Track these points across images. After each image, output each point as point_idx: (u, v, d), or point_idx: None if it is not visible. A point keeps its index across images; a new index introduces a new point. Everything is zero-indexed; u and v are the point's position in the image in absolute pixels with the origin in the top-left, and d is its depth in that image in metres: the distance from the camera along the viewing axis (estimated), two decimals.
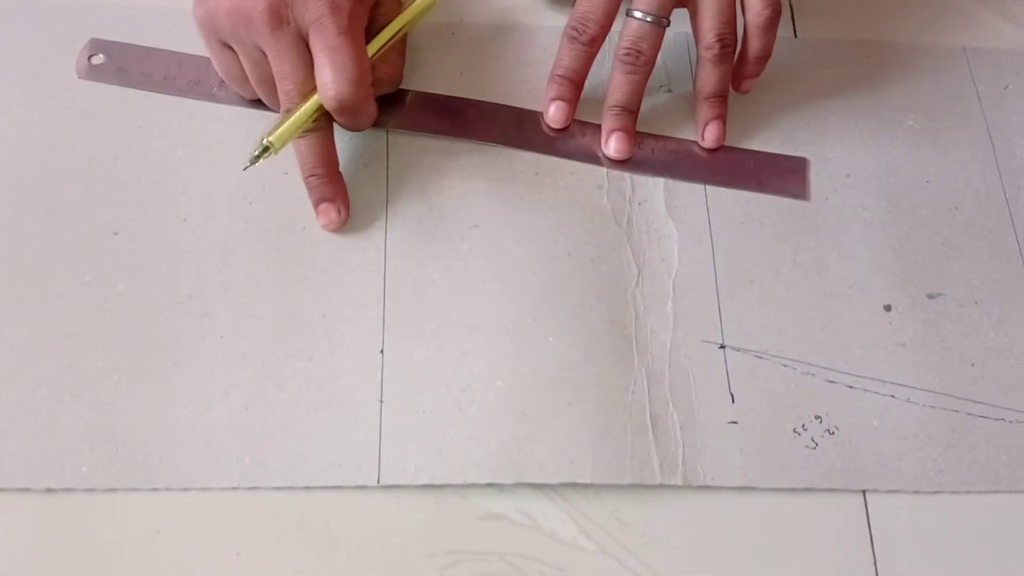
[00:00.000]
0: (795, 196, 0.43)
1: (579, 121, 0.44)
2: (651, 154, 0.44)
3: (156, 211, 0.40)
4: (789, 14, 0.49)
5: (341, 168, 0.41)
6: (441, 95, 0.44)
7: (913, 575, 0.37)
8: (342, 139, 0.42)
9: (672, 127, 0.45)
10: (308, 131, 0.39)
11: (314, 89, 0.38)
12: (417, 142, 0.43)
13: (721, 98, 0.43)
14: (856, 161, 0.45)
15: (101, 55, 0.43)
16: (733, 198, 0.43)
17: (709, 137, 0.43)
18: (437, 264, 0.40)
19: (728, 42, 0.41)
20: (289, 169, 0.41)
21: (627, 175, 0.43)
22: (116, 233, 0.39)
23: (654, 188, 0.43)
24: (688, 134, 0.44)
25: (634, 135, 0.43)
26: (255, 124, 0.42)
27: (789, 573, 0.36)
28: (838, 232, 0.43)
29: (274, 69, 0.39)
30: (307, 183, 0.40)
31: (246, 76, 0.40)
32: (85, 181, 0.40)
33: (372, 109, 0.40)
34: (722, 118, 0.43)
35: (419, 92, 0.44)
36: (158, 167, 0.41)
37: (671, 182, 0.43)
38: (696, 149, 0.44)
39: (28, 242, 0.39)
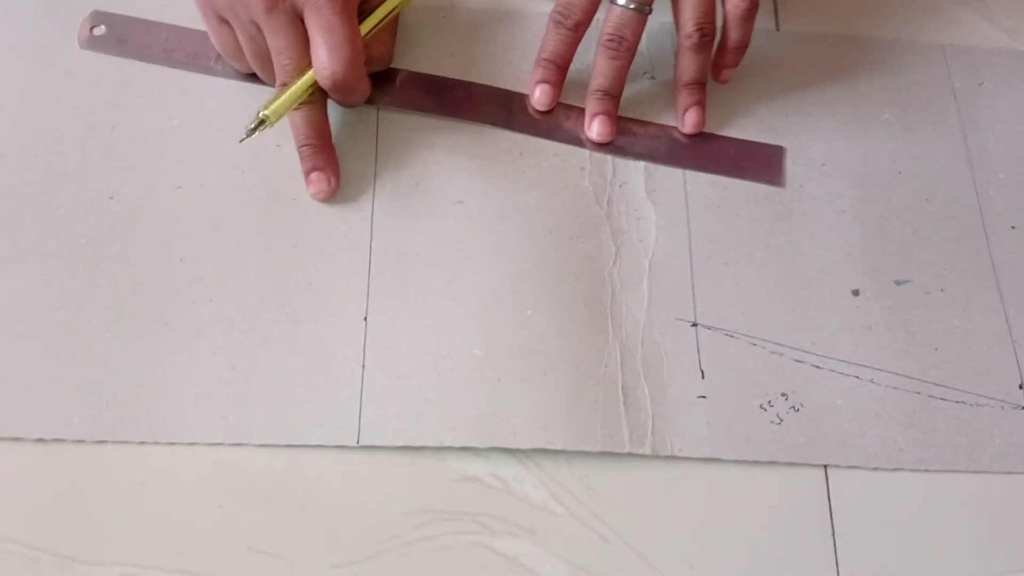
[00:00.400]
0: (771, 183, 0.45)
1: (564, 104, 0.45)
2: (633, 138, 0.45)
3: (151, 178, 0.41)
4: (772, 8, 0.50)
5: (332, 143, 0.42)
6: (431, 75, 0.45)
7: (870, 548, 0.38)
8: (333, 115, 0.43)
9: (654, 113, 0.46)
10: (303, 104, 0.40)
11: (309, 64, 0.40)
12: (406, 120, 0.44)
13: (700, 85, 0.44)
14: (832, 151, 0.46)
15: (102, 26, 0.44)
16: (711, 183, 0.45)
17: (689, 123, 0.45)
18: (421, 237, 0.41)
19: (707, 31, 0.43)
20: (282, 142, 0.42)
21: (609, 158, 0.45)
22: (111, 198, 0.41)
23: (634, 171, 0.44)
24: (669, 120, 0.46)
25: (616, 119, 0.44)
26: (250, 97, 0.43)
27: (751, 542, 0.38)
28: (811, 219, 0.44)
29: (270, 44, 0.40)
30: (300, 152, 0.41)
31: (242, 50, 0.42)
32: (84, 147, 0.42)
33: (365, 87, 0.41)
34: (701, 105, 0.45)
35: (410, 71, 0.45)
36: (155, 136, 0.42)
37: (651, 166, 0.45)
38: (676, 135, 0.45)
39: (27, 203, 0.40)
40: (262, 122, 0.39)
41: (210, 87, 0.44)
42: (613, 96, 0.44)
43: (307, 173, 0.41)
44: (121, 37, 0.44)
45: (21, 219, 0.40)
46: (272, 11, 0.39)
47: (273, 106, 0.39)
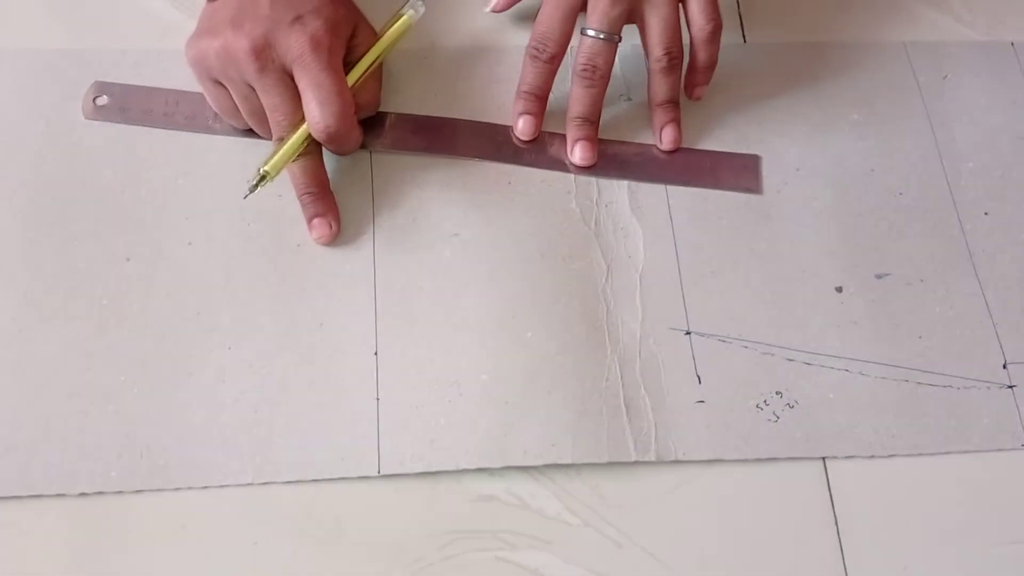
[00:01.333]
0: (749, 191, 0.47)
1: (547, 132, 0.47)
2: (615, 159, 0.47)
3: (163, 236, 0.44)
4: (738, 22, 0.52)
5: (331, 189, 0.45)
6: (418, 115, 0.47)
7: (872, 533, 0.40)
8: (329, 162, 0.45)
9: (633, 133, 0.48)
10: (300, 155, 0.43)
11: (302, 118, 0.42)
12: (398, 160, 0.46)
13: (673, 104, 0.47)
14: (805, 155, 0.48)
15: (105, 96, 0.47)
16: (692, 196, 0.47)
17: (666, 139, 0.47)
18: (422, 270, 0.43)
19: (674, 54, 0.45)
20: (283, 192, 0.45)
21: (593, 180, 0.47)
22: (128, 259, 0.43)
23: (618, 190, 0.47)
24: (648, 139, 0.48)
25: (596, 143, 0.47)
26: (248, 152, 0.45)
27: (757, 535, 0.40)
28: (790, 222, 0.46)
29: (264, 102, 0.42)
30: (301, 201, 0.43)
31: (237, 109, 0.44)
32: (96, 212, 0.44)
33: (357, 135, 0.44)
34: (676, 121, 0.47)
35: (398, 114, 0.47)
36: (162, 196, 0.45)
37: (634, 184, 0.47)
38: (656, 152, 0.48)
39: (48, 270, 0.42)
40: (263, 177, 0.42)
41: (211, 145, 0.46)
42: (591, 121, 0.46)
43: (309, 220, 0.44)
44: (123, 105, 0.46)
45: (44, 285, 0.42)
46: (263, 72, 0.41)
47: (272, 161, 0.42)
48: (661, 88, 0.46)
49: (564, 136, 0.47)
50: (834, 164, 0.48)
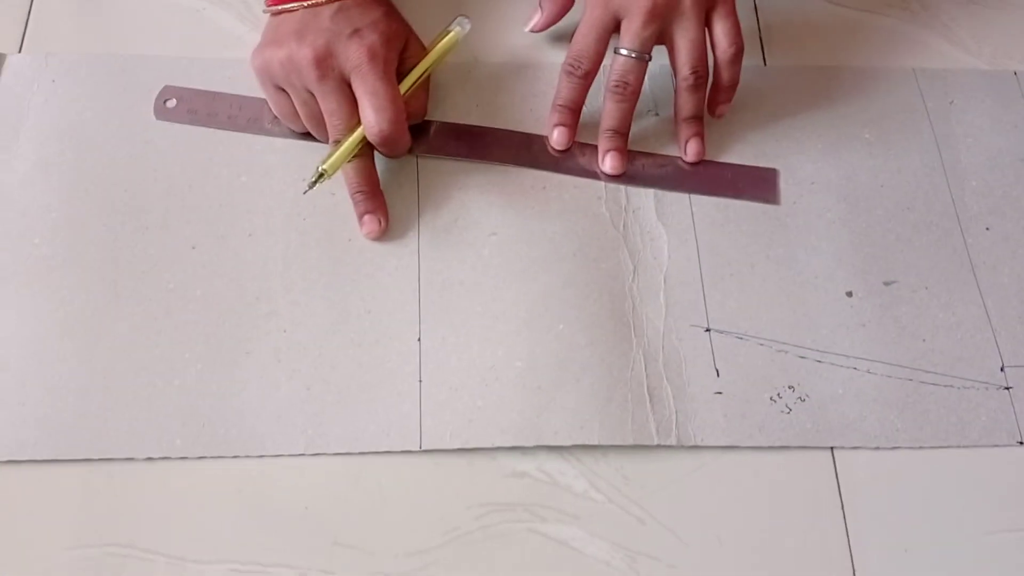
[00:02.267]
0: (767, 202, 0.50)
1: (579, 143, 0.51)
2: (642, 169, 0.51)
3: (226, 228, 0.47)
4: (759, 46, 0.56)
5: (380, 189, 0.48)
6: (461, 124, 0.51)
7: (875, 519, 0.43)
8: (380, 165, 0.49)
9: (660, 145, 0.52)
10: (354, 157, 0.46)
11: (358, 123, 0.46)
12: (442, 165, 0.50)
13: (698, 119, 0.50)
14: (819, 170, 0.52)
15: (173, 100, 0.51)
16: (714, 204, 0.50)
17: (690, 152, 0.50)
18: (463, 266, 0.47)
19: (700, 73, 0.48)
20: (336, 191, 0.48)
21: (622, 187, 0.50)
22: (194, 247, 0.47)
23: (645, 198, 0.50)
24: (674, 151, 0.51)
25: (626, 154, 0.50)
26: (304, 154, 0.49)
27: (770, 517, 0.43)
28: (805, 231, 0.50)
29: (322, 107, 0.46)
30: (353, 199, 0.47)
31: (297, 113, 0.48)
32: (165, 205, 0.48)
33: (407, 139, 0.47)
34: (700, 136, 0.50)
35: (442, 122, 0.51)
36: (226, 191, 0.48)
37: (660, 192, 0.50)
38: (681, 164, 0.51)
39: (121, 256, 0.46)
40: (321, 175, 0.45)
41: (270, 146, 0.50)
42: (622, 134, 0.50)
43: (360, 216, 0.47)
44: (190, 108, 0.50)
45: (117, 270, 0.46)
46: (323, 79, 0.45)
47: (330, 161, 0.45)
48: (687, 104, 0.50)
49: (596, 147, 0.50)
50: (847, 179, 0.51)
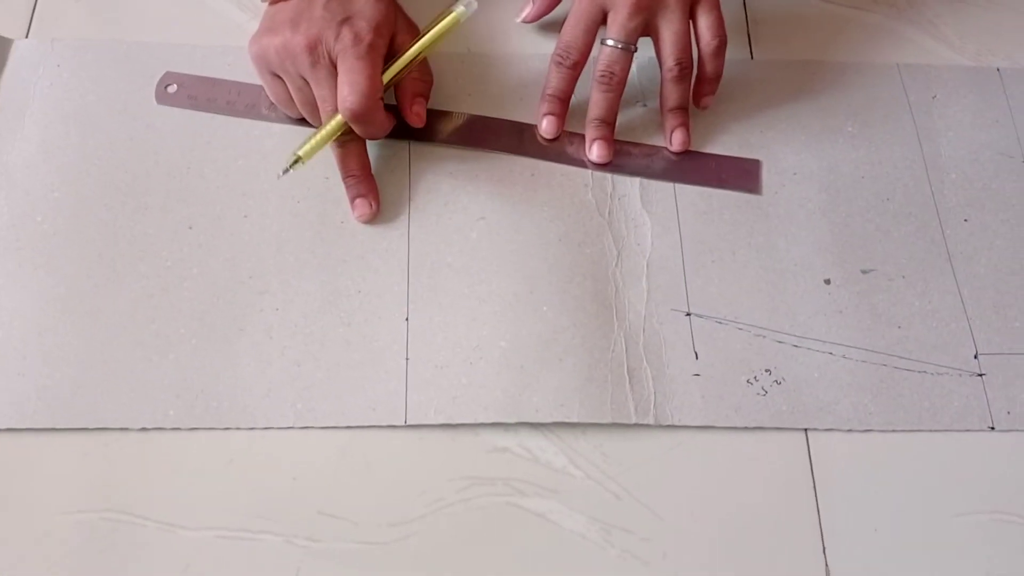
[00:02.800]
0: (750, 192, 0.52)
1: (568, 132, 0.52)
2: (629, 158, 0.52)
3: (222, 209, 0.49)
4: (747, 40, 0.57)
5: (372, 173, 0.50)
6: (453, 112, 0.53)
7: (846, 499, 0.44)
8: (372, 151, 0.50)
9: (647, 135, 0.53)
10: (345, 141, 0.48)
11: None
12: (433, 151, 0.51)
13: (683, 110, 0.51)
14: (801, 161, 0.53)
15: (174, 85, 0.52)
16: (697, 193, 0.51)
17: (676, 142, 0.52)
18: (451, 249, 0.48)
19: (685, 64, 0.50)
20: (329, 175, 0.50)
21: (608, 176, 0.52)
22: (191, 228, 0.48)
23: (631, 186, 0.51)
24: (660, 141, 0.53)
25: (612, 143, 0.51)
26: (300, 138, 0.50)
27: (743, 495, 0.44)
28: (785, 220, 0.51)
29: (315, 94, 0.47)
30: (345, 183, 0.48)
31: (292, 100, 0.49)
32: (164, 187, 0.49)
33: (382, 119, 0.47)
34: (685, 126, 0.52)
35: (433, 110, 0.52)
36: (223, 174, 0.50)
37: (646, 180, 0.51)
38: (666, 153, 0.52)
39: (121, 235, 0.48)
40: (297, 160, 0.46)
41: (267, 131, 0.51)
42: (608, 123, 0.51)
43: (352, 200, 0.48)
44: (191, 93, 0.52)
45: (117, 248, 0.47)
46: (315, 66, 0.46)
47: (306, 147, 0.46)
48: (672, 95, 0.51)
49: (583, 136, 0.52)
50: (828, 170, 0.53)
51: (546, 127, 0.51)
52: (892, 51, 0.57)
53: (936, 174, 0.53)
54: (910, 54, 0.57)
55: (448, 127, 0.52)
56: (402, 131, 0.51)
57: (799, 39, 0.58)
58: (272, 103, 0.51)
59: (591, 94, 0.51)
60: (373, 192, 0.49)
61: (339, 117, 0.46)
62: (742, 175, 0.52)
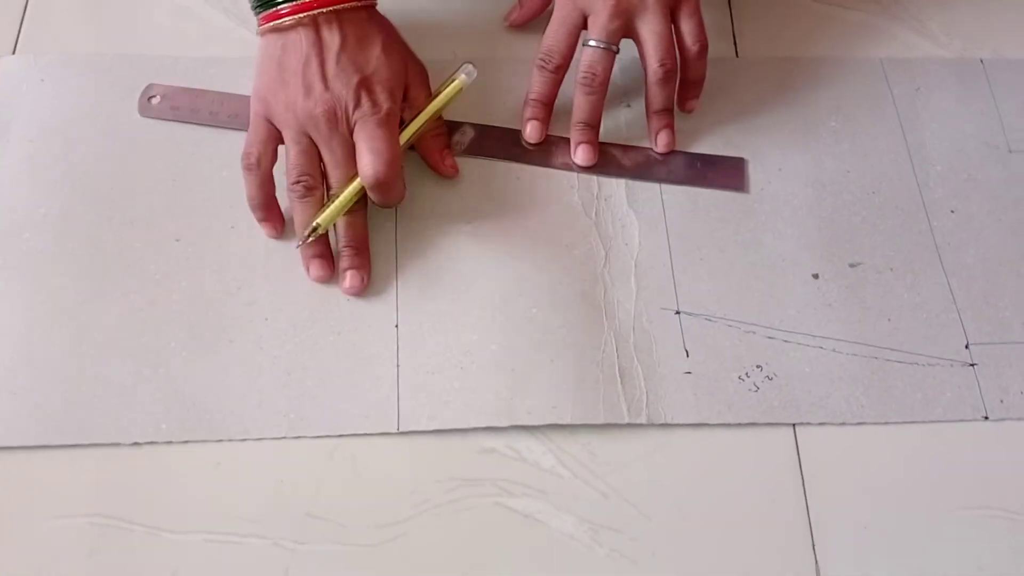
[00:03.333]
0: (736, 190, 0.52)
1: (553, 136, 0.52)
2: (614, 160, 0.52)
3: (209, 221, 0.49)
4: (732, 38, 0.57)
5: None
6: (462, 124, 0.52)
7: (836, 495, 0.44)
8: None
9: (632, 137, 0.53)
10: (353, 209, 0.46)
11: (355, 176, 0.46)
12: (418, 157, 0.51)
13: (667, 111, 0.51)
14: (787, 157, 0.53)
15: (158, 96, 0.52)
16: (683, 191, 0.51)
17: (661, 143, 0.52)
18: (439, 254, 0.48)
19: (668, 66, 0.50)
20: None
21: (594, 177, 0.52)
22: (177, 240, 0.48)
23: (616, 187, 0.51)
24: (645, 142, 0.53)
25: (597, 146, 0.51)
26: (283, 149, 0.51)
27: (732, 492, 0.44)
28: (772, 216, 0.51)
29: (326, 158, 0.46)
30: (340, 252, 0.47)
31: (268, 147, 0.47)
32: (150, 200, 0.49)
33: (402, 187, 0.47)
34: (670, 127, 0.52)
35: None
36: (208, 185, 0.50)
37: (631, 181, 0.52)
38: (652, 154, 0.52)
39: (107, 250, 0.48)
40: (315, 229, 0.45)
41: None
42: (592, 126, 0.51)
43: (343, 271, 0.46)
44: (174, 104, 0.52)
45: (104, 263, 0.47)
46: (333, 132, 0.45)
47: (325, 215, 0.45)
48: (657, 97, 0.51)
49: (567, 139, 0.52)
50: (814, 165, 0.53)
51: (530, 132, 0.51)
52: (876, 47, 0.58)
53: (921, 166, 0.53)
54: (892, 48, 0.58)
55: (461, 141, 0.52)
56: None
57: (784, 37, 0.58)
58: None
59: (574, 97, 0.51)
60: (367, 266, 0.47)
61: (356, 184, 0.46)
62: (727, 173, 0.52)
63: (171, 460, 0.43)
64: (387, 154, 0.45)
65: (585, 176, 0.52)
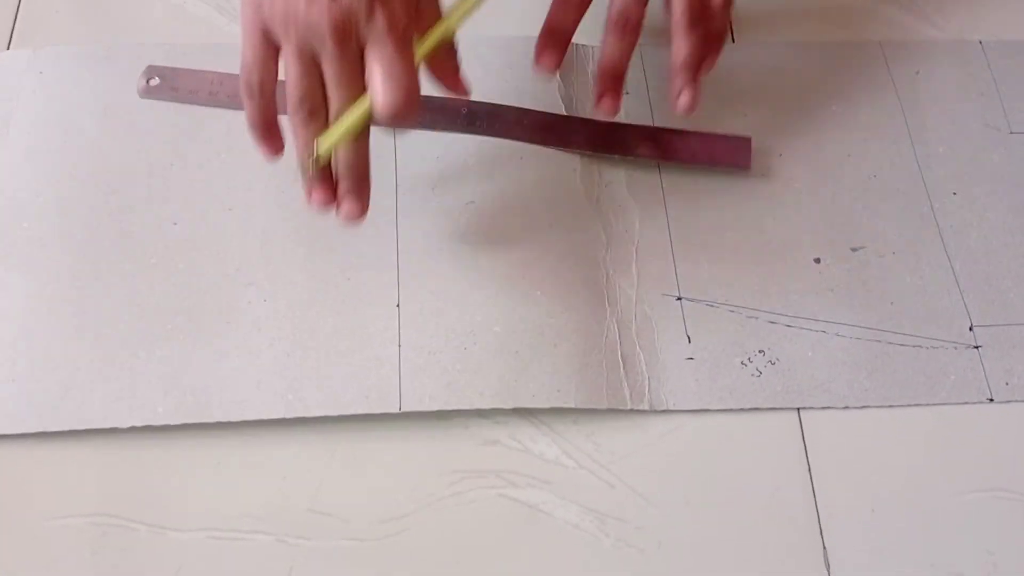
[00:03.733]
0: (742, 168, 0.51)
1: (554, 115, 0.52)
2: (620, 139, 0.51)
3: (207, 204, 0.48)
4: (728, 25, 0.57)
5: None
6: (438, 97, 0.52)
7: (842, 480, 0.43)
8: None
9: (635, 119, 0.53)
10: (359, 135, 0.41)
11: (361, 96, 0.40)
12: (419, 135, 0.50)
13: (692, 66, 0.45)
14: (788, 142, 0.52)
15: (156, 78, 0.52)
16: (684, 178, 0.51)
17: (682, 103, 0.46)
18: (440, 234, 0.48)
19: (697, 9, 0.44)
20: None
21: (595, 162, 0.51)
22: (175, 223, 0.48)
23: (617, 173, 0.51)
24: (648, 123, 0.52)
25: (621, 96, 0.47)
26: (287, 128, 0.50)
27: (737, 478, 0.43)
28: (773, 200, 0.51)
29: (332, 73, 0.40)
30: (339, 179, 0.42)
31: (266, 71, 0.41)
32: (148, 182, 0.49)
33: (418, 113, 0.41)
34: (694, 84, 0.46)
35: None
36: (206, 168, 0.49)
37: (632, 167, 0.51)
38: (658, 134, 0.52)
39: (105, 235, 0.47)
40: (317, 159, 0.41)
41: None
42: (619, 75, 0.46)
43: (341, 196, 0.42)
44: (173, 86, 0.51)
45: (101, 249, 0.47)
46: (344, 48, 0.39)
47: (326, 142, 0.41)
48: (682, 47, 0.45)
49: (568, 118, 0.51)
50: (815, 150, 0.52)
51: (544, 62, 0.47)
52: (874, 30, 0.57)
53: (923, 148, 0.53)
54: (892, 32, 0.57)
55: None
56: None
57: (781, 23, 0.57)
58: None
59: (603, 41, 0.46)
60: (367, 195, 0.42)
61: (363, 108, 0.40)
62: (733, 152, 0.51)
63: (172, 455, 0.43)
64: (406, 81, 0.39)
65: (587, 161, 0.51)
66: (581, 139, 0.51)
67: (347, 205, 0.42)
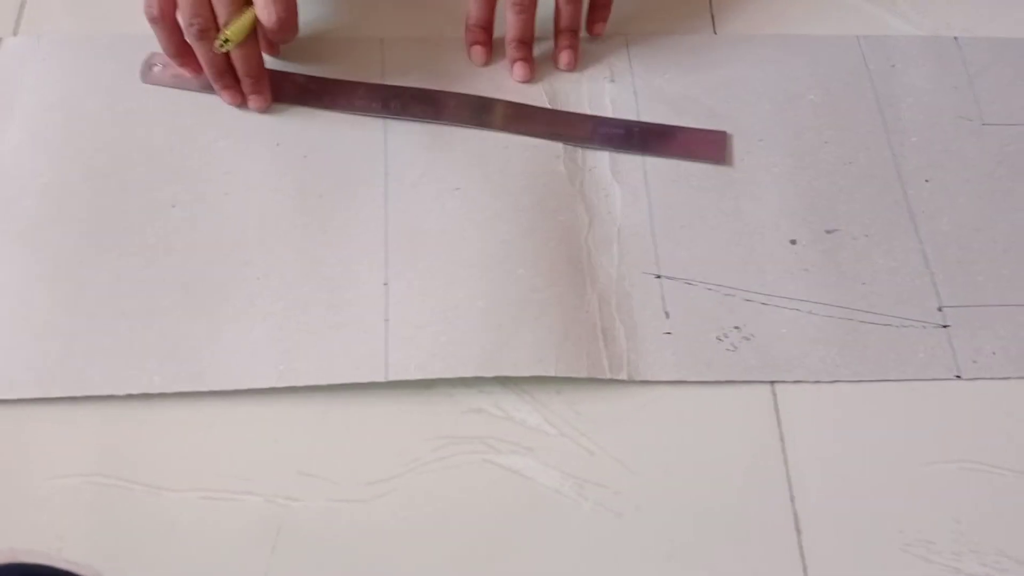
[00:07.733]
0: (716, 162, 0.53)
1: (533, 107, 0.54)
2: (599, 132, 0.53)
3: (204, 187, 0.50)
4: (710, 16, 0.59)
5: (348, 153, 0.51)
6: (425, 89, 0.54)
7: (814, 450, 0.45)
8: (347, 126, 0.52)
9: (618, 111, 0.55)
10: (240, 46, 0.49)
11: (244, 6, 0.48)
12: (408, 126, 0.53)
13: (574, 32, 0.55)
14: (767, 129, 0.54)
15: (159, 64, 0.54)
16: (666, 162, 0.53)
17: (563, 62, 0.55)
18: (428, 216, 0.50)
19: None
20: (308, 153, 0.51)
21: (579, 148, 0.53)
22: (174, 206, 0.50)
23: (600, 158, 0.53)
24: (632, 116, 0.54)
25: (532, 63, 0.55)
26: (280, 117, 0.53)
27: (713, 448, 0.45)
28: (752, 184, 0.52)
29: None
30: (243, 81, 0.51)
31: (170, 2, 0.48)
32: (148, 166, 0.51)
33: (296, 23, 0.51)
34: (574, 48, 0.55)
35: (407, 87, 0.54)
36: (205, 153, 0.51)
37: (615, 153, 0.53)
38: (636, 128, 0.54)
39: (106, 215, 0.49)
40: (227, 41, 0.49)
41: (248, 111, 0.53)
42: (526, 43, 0.54)
43: (247, 97, 0.52)
44: (175, 72, 0.53)
45: (102, 225, 0.49)
46: None
47: (233, 29, 0.48)
48: (564, 14, 0.54)
49: (551, 111, 0.54)
50: (793, 137, 0.54)
51: (475, 57, 0.55)
52: (851, 25, 0.59)
53: (897, 138, 0.55)
54: (869, 27, 0.59)
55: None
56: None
57: (760, 15, 0.59)
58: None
59: (506, 17, 0.54)
60: (267, 90, 0.52)
61: (250, 16, 0.49)
62: (709, 147, 0.53)
63: (168, 421, 0.44)
64: None
65: (571, 147, 0.53)
66: (557, 130, 0.53)
67: (252, 102, 0.52)
